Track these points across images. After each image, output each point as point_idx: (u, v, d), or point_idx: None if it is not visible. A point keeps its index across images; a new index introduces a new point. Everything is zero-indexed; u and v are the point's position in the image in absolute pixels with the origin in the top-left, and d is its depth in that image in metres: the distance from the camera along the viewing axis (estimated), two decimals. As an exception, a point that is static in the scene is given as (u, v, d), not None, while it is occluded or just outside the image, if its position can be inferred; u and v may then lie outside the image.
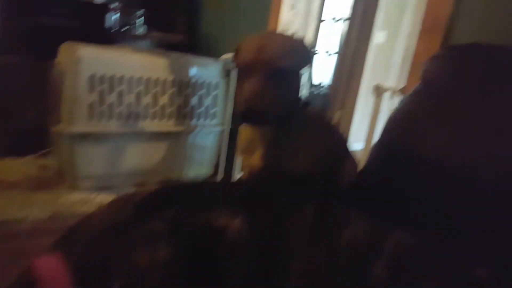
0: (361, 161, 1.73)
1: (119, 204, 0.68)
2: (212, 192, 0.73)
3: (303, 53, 0.85)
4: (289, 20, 2.08)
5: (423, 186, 0.91)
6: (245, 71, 0.79)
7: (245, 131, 0.96)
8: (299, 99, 0.92)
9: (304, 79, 0.90)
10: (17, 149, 2.28)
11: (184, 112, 2.18)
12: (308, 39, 2.28)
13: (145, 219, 0.62)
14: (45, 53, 2.08)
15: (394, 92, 1.74)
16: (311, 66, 0.92)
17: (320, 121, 1.02)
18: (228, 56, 2.09)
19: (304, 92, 0.93)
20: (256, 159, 0.91)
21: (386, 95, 1.80)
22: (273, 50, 0.78)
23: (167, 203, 0.67)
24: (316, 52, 4.29)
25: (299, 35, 2.12)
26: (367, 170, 1.10)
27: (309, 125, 0.93)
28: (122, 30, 2.60)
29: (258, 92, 0.75)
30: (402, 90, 1.52)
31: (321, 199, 0.92)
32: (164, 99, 2.09)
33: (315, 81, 4.34)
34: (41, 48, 2.16)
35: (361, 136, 3.76)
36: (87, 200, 1.94)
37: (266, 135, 0.89)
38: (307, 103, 0.93)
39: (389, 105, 1.82)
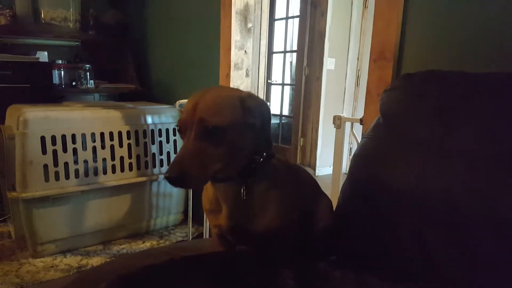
0: (331, 190, 1.77)
1: None
2: (180, 274, 0.66)
3: (247, 108, 0.78)
4: (239, 60, 2.13)
5: (401, 223, 0.87)
6: (180, 131, 0.76)
7: (208, 190, 0.91)
8: (260, 153, 0.85)
9: (259, 134, 0.83)
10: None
11: (145, 161, 2.14)
12: (260, 74, 2.34)
13: None
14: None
15: (354, 122, 1.76)
16: (264, 120, 0.84)
17: (285, 169, 0.96)
18: (183, 101, 2.10)
19: (262, 144, 0.85)
20: (222, 219, 0.86)
21: (347, 125, 1.82)
22: (205, 108, 0.74)
23: None
24: (271, 83, 4.40)
25: (250, 73, 2.18)
26: (342, 213, 1.07)
27: (275, 176, 0.87)
28: (70, 86, 2.56)
29: (187, 154, 0.71)
30: (361, 120, 1.54)
31: (298, 258, 0.87)
32: (122, 151, 2.06)
33: (275, 111, 4.44)
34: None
35: (327, 160, 3.84)
36: (52, 265, 1.84)
37: (228, 194, 0.84)
38: (270, 155, 0.87)
39: (353, 135, 1.85)
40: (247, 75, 2.16)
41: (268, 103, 2.21)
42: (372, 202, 0.96)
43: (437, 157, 0.84)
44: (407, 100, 0.97)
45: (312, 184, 1.11)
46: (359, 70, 3.84)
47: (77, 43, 2.79)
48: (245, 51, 2.14)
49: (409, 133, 0.92)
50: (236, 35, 2.07)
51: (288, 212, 0.89)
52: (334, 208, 1.11)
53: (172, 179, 0.69)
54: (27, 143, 1.78)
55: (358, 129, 1.73)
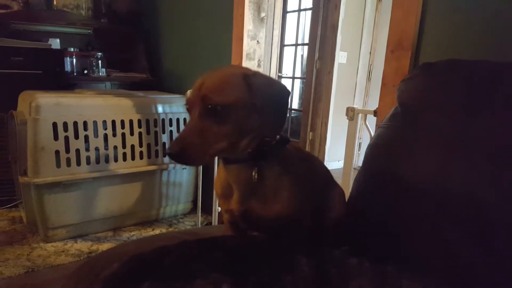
0: (341, 183, 1.75)
1: (85, 283, 0.59)
2: (191, 256, 0.65)
3: (253, 85, 0.75)
4: (251, 50, 2.11)
5: (418, 218, 0.85)
6: (188, 110, 0.76)
7: (220, 174, 0.90)
8: (273, 135, 0.83)
9: (263, 113, 0.78)
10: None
11: (155, 150, 2.14)
12: (272, 66, 2.32)
13: None
14: (6, 103, 2.03)
15: (367, 114, 1.73)
16: (268, 100, 0.78)
17: (299, 155, 0.95)
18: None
19: (271, 127, 0.82)
20: (234, 203, 0.85)
21: (359, 117, 1.79)
22: (209, 86, 0.73)
23: (141, 274, 0.59)
24: (281, 76, 4.38)
25: (262, 63, 2.16)
26: (356, 202, 1.04)
27: (288, 162, 0.86)
28: (82, 73, 2.57)
29: (189, 131, 0.72)
30: (375, 112, 1.51)
31: (313, 244, 0.86)
32: (133, 140, 2.06)
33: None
34: (1, 99, 2.10)
35: (336, 155, 3.82)
36: (63, 250, 1.86)
37: (240, 177, 0.83)
38: (284, 139, 0.85)
39: (360, 127, 1.83)
40: (259, 65, 2.14)
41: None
42: (388, 194, 0.94)
43: (460, 150, 0.81)
44: (428, 90, 0.94)
45: (325, 174, 1.10)
46: (371, 64, 3.80)
47: (89, 31, 2.79)
48: (258, 41, 2.12)
49: (430, 124, 0.88)
50: (249, 24, 2.05)
51: (300, 200, 0.87)
52: (346, 199, 1.10)
53: (173, 155, 0.69)
54: (39, 129, 1.79)
55: (371, 123, 1.71)
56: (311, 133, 4.10)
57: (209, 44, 2.32)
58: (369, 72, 3.83)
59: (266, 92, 0.77)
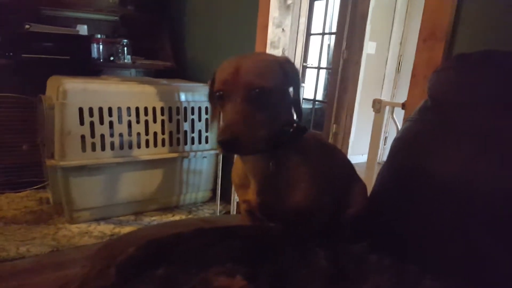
0: (364, 178, 1.71)
1: (101, 266, 0.60)
2: (207, 244, 0.64)
3: (285, 72, 0.77)
4: (276, 38, 2.07)
5: (443, 213, 0.81)
6: (222, 96, 0.73)
7: (237, 164, 0.88)
8: (291, 124, 0.82)
9: (292, 101, 0.83)
10: (16, 183, 2.27)
11: (177, 138, 2.16)
12: (296, 55, 2.28)
13: (129, 285, 0.53)
14: (35, 87, 2.09)
15: (395, 107, 1.68)
16: (298, 87, 0.82)
17: (319, 146, 0.92)
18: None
19: (296, 116, 0.84)
20: (251, 194, 0.83)
21: (386, 110, 1.73)
22: (250, 70, 0.72)
23: (156, 259, 0.59)
24: (306, 66, 4.31)
25: (286, 52, 2.12)
26: (378, 197, 1.01)
27: (306, 152, 0.83)
28: (108, 60, 2.60)
29: (237, 118, 0.68)
30: (403, 105, 1.46)
31: (331, 238, 0.84)
32: (155, 127, 2.08)
33: (309, 96, 4.35)
34: (31, 83, 2.16)
35: (360, 148, 3.74)
36: (87, 232, 1.91)
37: (257, 168, 0.81)
38: (302, 128, 0.84)
39: (386, 120, 1.77)
40: (283, 54, 2.11)
41: (303, 85, 2.16)
42: (412, 190, 0.91)
43: (492, 148, 0.76)
44: (462, 83, 0.88)
45: (347, 167, 1.07)
46: (401, 55, 3.68)
47: (116, 17, 2.82)
48: (283, 29, 2.09)
49: (461, 119, 0.84)
50: (274, 11, 2.02)
51: (318, 192, 0.85)
52: (369, 194, 1.07)
53: (225, 143, 0.66)
54: (66, 113, 1.83)
55: (398, 116, 1.65)
56: (335, 125, 4.03)
57: (233, 32, 2.30)
58: (399, 64, 3.71)
59: (297, 80, 0.80)
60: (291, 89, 0.82)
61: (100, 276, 0.56)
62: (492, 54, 0.87)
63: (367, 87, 3.69)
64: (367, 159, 1.89)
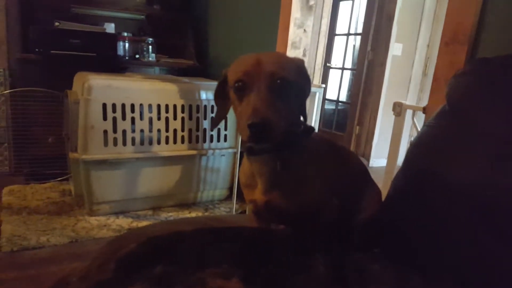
0: (383, 182, 1.68)
1: (101, 260, 0.62)
2: (205, 244, 0.66)
3: (300, 72, 0.79)
4: (297, 38, 2.07)
5: (458, 220, 0.80)
6: (242, 86, 0.73)
7: (244, 164, 0.88)
8: (300, 123, 0.83)
9: (304, 101, 0.84)
10: (41, 174, 2.36)
11: (196, 135, 2.19)
12: (318, 56, 2.26)
13: (126, 282, 0.55)
14: (62, 82, 2.17)
15: (416, 110, 1.64)
16: (307, 90, 0.83)
17: (326, 147, 0.91)
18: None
19: (304, 116, 0.85)
20: (258, 194, 0.83)
21: (408, 113, 1.70)
22: (272, 61, 0.74)
23: (155, 257, 0.60)
24: (330, 67, 4.27)
25: (307, 53, 2.11)
26: (392, 203, 0.99)
27: (314, 152, 0.84)
28: (133, 58, 2.67)
29: (265, 104, 0.69)
30: (424, 109, 1.42)
31: (337, 244, 0.83)
32: (176, 124, 2.11)
33: (332, 97, 4.31)
34: (58, 78, 2.24)
35: (384, 152, 3.67)
36: (105, 224, 1.97)
37: (264, 168, 0.81)
38: (309, 128, 0.84)
39: (412, 123, 1.73)
40: (304, 54, 2.10)
41: (323, 85, 2.14)
42: (427, 196, 0.89)
43: (511, 156, 0.74)
44: (480, 87, 0.86)
45: (359, 169, 1.05)
46: (428, 58, 3.58)
47: (142, 16, 2.89)
48: (304, 29, 2.07)
49: (480, 125, 0.82)
50: (296, 12, 2.01)
51: (324, 191, 0.85)
52: (383, 199, 1.05)
53: (256, 125, 0.66)
54: (90, 108, 1.89)
55: (421, 120, 1.61)
56: (358, 127, 3.97)
57: (254, 31, 2.31)
58: (426, 66, 3.61)
59: (308, 80, 0.83)
60: None
61: (100, 270, 0.58)
62: (512, 60, 0.84)
63: (393, 90, 3.61)
64: (387, 163, 1.85)
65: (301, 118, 0.85)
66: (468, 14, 1.15)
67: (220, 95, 0.84)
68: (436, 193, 0.86)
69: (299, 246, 0.77)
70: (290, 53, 2.05)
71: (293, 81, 0.75)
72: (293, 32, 2.05)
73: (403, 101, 1.72)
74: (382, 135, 3.67)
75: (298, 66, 0.80)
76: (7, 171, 2.50)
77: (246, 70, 0.73)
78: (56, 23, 2.37)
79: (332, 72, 4.35)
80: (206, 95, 2.19)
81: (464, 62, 1.17)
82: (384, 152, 3.79)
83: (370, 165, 3.72)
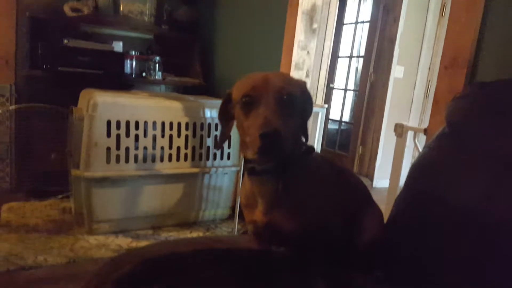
0: (386, 203, 1.67)
1: (97, 282, 0.61)
2: (202, 265, 0.65)
3: (303, 93, 0.81)
4: (301, 60, 2.09)
5: (461, 245, 0.79)
6: (250, 101, 0.74)
7: (245, 184, 0.88)
8: (302, 143, 0.83)
9: (306, 121, 0.85)
10: (41, 191, 2.35)
11: (199, 153, 2.19)
12: (320, 77, 2.28)
13: None
14: (68, 99, 2.19)
15: (417, 132, 1.65)
16: (309, 111, 0.86)
17: (328, 168, 0.91)
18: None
19: (306, 136, 0.86)
20: (258, 214, 0.83)
21: (409, 134, 1.71)
22: (279, 79, 0.76)
23: (151, 279, 0.59)
24: (333, 88, 4.31)
25: (310, 74, 2.13)
26: (394, 224, 0.99)
27: (315, 173, 0.84)
28: (140, 76, 2.70)
29: (275, 116, 0.69)
30: (425, 131, 1.44)
31: (335, 267, 0.81)
32: (179, 141, 2.12)
33: (335, 117, 4.33)
34: (65, 95, 2.26)
35: (387, 173, 3.66)
36: (104, 244, 1.94)
37: (265, 188, 0.81)
38: (311, 148, 0.84)
39: (413, 145, 1.74)
40: (307, 75, 2.12)
41: (326, 105, 2.15)
42: (430, 217, 0.89)
43: (510, 177, 0.75)
44: (480, 111, 0.88)
45: (360, 190, 1.05)
46: (429, 80, 3.61)
47: (150, 36, 2.93)
48: (308, 51, 2.10)
49: (479, 146, 0.83)
50: (300, 35, 2.04)
51: (325, 212, 0.84)
52: (386, 220, 1.04)
53: (268, 135, 0.66)
54: (94, 125, 1.89)
55: (423, 141, 1.61)
56: (361, 147, 3.97)
57: (260, 53, 2.34)
58: (427, 88, 3.64)
59: (310, 101, 0.85)
60: None
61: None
62: (511, 84, 0.86)
63: (395, 111, 3.63)
64: (389, 184, 1.84)
65: (303, 139, 0.85)
66: (466, 38, 1.18)
67: (224, 115, 0.85)
68: (439, 215, 0.86)
69: (300, 268, 0.75)
70: (294, 73, 2.07)
71: (298, 99, 0.77)
72: (297, 54, 2.08)
73: (404, 123, 1.73)
74: (386, 155, 3.66)
75: (301, 87, 0.82)
76: (7, 188, 2.49)
77: (254, 85, 0.75)
78: (65, 41, 2.41)
79: (335, 93, 4.38)
80: (211, 113, 2.20)
81: (463, 85, 1.19)
82: (388, 172, 3.77)
83: (373, 185, 3.70)
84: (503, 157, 0.77)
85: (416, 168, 0.99)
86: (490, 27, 1.10)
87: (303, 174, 0.81)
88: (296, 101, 0.76)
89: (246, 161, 0.81)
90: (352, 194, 0.99)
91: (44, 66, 2.32)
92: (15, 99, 2.40)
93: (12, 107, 2.38)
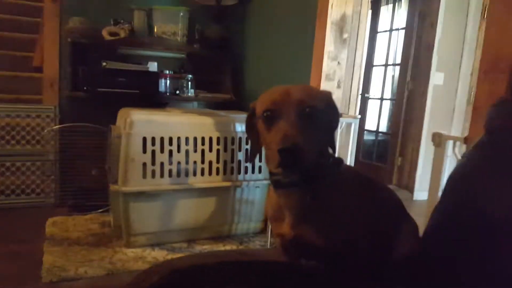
0: (425, 216, 1.59)
1: None
2: (227, 278, 0.64)
3: (328, 104, 0.80)
4: (331, 71, 2.07)
5: (500, 256, 0.76)
6: (271, 116, 0.74)
7: (271, 197, 0.87)
8: (329, 155, 0.82)
9: (333, 133, 0.84)
10: (83, 206, 2.46)
11: (231, 167, 2.21)
12: (353, 87, 2.24)
13: None
14: (107, 118, 2.30)
15: (457, 141, 1.58)
16: (336, 122, 0.85)
17: (358, 180, 0.89)
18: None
19: (333, 148, 0.84)
20: (285, 228, 0.81)
21: (449, 144, 1.64)
22: (301, 92, 0.76)
23: None
24: (368, 98, 4.21)
25: (342, 84, 2.10)
26: (431, 238, 0.94)
27: (344, 186, 0.82)
28: (174, 93, 2.79)
29: (294, 130, 0.70)
30: (466, 140, 1.37)
31: (370, 283, 0.79)
32: (211, 156, 2.15)
33: (371, 127, 4.22)
34: (104, 114, 2.38)
35: (427, 184, 3.49)
36: (141, 257, 1.99)
37: (292, 200, 0.79)
38: (339, 160, 0.83)
39: (453, 155, 1.66)
40: (338, 86, 2.09)
41: (359, 116, 2.11)
42: (467, 230, 0.84)
43: None
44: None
45: (393, 203, 1.00)
46: (472, 87, 3.43)
47: (183, 55, 3.04)
48: (338, 62, 2.08)
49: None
50: (329, 45, 2.03)
51: (358, 229, 0.81)
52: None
53: (287, 150, 0.67)
54: (131, 142, 1.97)
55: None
56: (400, 158, 3.83)
57: (289, 65, 2.35)
58: (470, 95, 3.47)
59: (337, 113, 0.83)
60: None
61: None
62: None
63: (436, 120, 3.48)
64: (428, 196, 1.76)
65: (330, 150, 0.84)
66: (507, 41, 1.12)
67: (251, 129, 0.85)
68: (475, 227, 0.81)
69: (332, 283, 0.73)
70: (324, 84, 2.05)
71: (322, 111, 0.76)
72: (327, 65, 2.06)
73: (442, 132, 1.66)
74: (426, 167, 3.50)
75: (326, 98, 0.81)
76: (52, 203, 2.63)
77: (275, 99, 0.75)
78: (104, 63, 2.55)
79: (370, 103, 4.28)
80: (241, 128, 2.22)
81: (504, 91, 1.12)
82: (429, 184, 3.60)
83: (414, 198, 3.55)
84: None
85: (453, 179, 0.95)
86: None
87: (331, 186, 0.80)
88: (319, 114, 0.75)
89: (271, 173, 0.81)
90: (384, 207, 0.95)
91: (85, 88, 2.46)
92: (59, 120, 2.56)
93: (57, 127, 2.54)
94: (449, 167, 2.67)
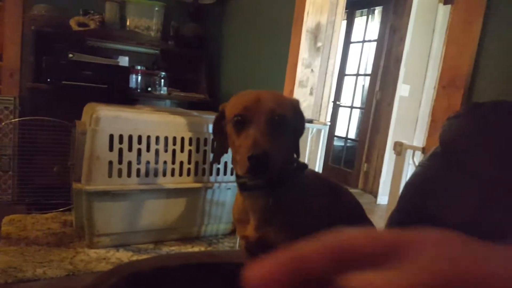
0: (384, 218, 1.65)
1: None
2: (189, 280, 0.63)
3: (296, 112, 0.83)
4: (305, 77, 2.09)
5: None
6: (241, 121, 0.75)
7: (237, 200, 0.88)
8: (293, 160, 0.85)
9: (298, 139, 0.88)
10: (43, 204, 2.34)
11: (202, 168, 2.17)
12: (324, 94, 2.27)
13: None
14: (72, 113, 2.20)
15: (416, 151, 1.66)
16: (301, 129, 0.88)
17: (320, 184, 0.92)
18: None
19: (298, 153, 0.88)
20: (250, 230, 0.83)
21: (409, 153, 1.71)
22: (271, 99, 0.77)
23: None
24: (339, 105, 4.30)
25: (314, 91, 2.13)
26: None
27: (307, 189, 0.84)
28: (145, 90, 2.71)
29: (264, 137, 0.71)
30: (424, 149, 1.45)
31: None
32: (182, 156, 2.11)
33: (341, 134, 4.31)
34: (68, 109, 2.28)
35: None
36: (105, 258, 1.92)
37: (256, 204, 0.81)
38: (303, 165, 0.86)
39: (413, 163, 1.74)
40: (311, 93, 2.11)
41: (329, 123, 2.14)
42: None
43: (502, 194, 0.76)
44: (473, 131, 0.89)
45: (353, 206, 1.04)
46: (434, 99, 3.59)
47: (157, 51, 2.96)
48: (312, 69, 2.10)
49: (471, 165, 0.84)
50: (304, 53, 2.05)
51: (316, 228, 0.82)
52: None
53: (256, 157, 0.68)
54: (97, 139, 1.89)
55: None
56: (366, 164, 3.94)
57: (265, 69, 2.35)
58: (432, 108, 3.62)
59: (302, 119, 0.86)
60: None
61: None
62: (504, 104, 0.86)
63: (400, 129, 3.62)
64: (388, 202, 1.84)
65: (295, 156, 0.87)
66: (463, 61, 1.20)
67: (219, 130, 0.86)
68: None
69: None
70: (297, 91, 2.07)
71: (290, 119, 0.78)
72: (301, 71, 2.08)
73: (403, 141, 1.74)
74: (390, 173, 3.62)
75: (293, 106, 0.83)
76: (9, 200, 2.49)
77: (246, 105, 0.76)
78: (70, 55, 2.44)
79: (341, 110, 4.38)
80: (213, 129, 2.19)
81: (459, 105, 1.20)
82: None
83: (377, 202, 3.68)
84: (493, 177, 0.79)
85: (408, 187, 1.00)
86: (487, 48, 1.12)
87: (294, 190, 0.82)
88: (287, 121, 0.77)
89: (238, 176, 0.82)
90: (345, 209, 0.99)
91: (49, 80, 2.33)
92: (19, 112, 2.42)
93: (16, 120, 2.40)
94: (408, 174, 2.78)
